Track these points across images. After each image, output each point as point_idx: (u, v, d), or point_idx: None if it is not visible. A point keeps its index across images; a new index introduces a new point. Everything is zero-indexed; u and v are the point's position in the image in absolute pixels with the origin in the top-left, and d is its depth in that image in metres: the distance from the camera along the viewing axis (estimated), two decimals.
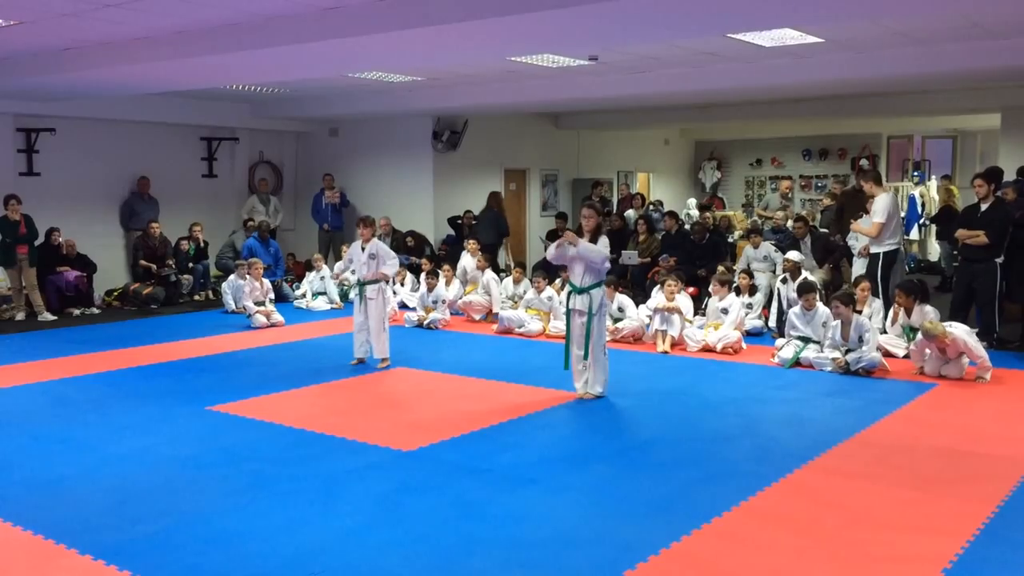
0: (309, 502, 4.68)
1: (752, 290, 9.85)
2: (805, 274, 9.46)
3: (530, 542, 4.14)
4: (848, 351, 7.82)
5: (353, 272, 8.46)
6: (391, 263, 8.32)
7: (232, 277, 11.75)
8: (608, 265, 6.91)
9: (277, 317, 10.79)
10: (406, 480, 5.03)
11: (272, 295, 11.29)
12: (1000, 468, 5.18)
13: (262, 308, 10.78)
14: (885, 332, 8.54)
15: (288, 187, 15.52)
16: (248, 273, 11.13)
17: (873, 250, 9.30)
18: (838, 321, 7.92)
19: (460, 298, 11.70)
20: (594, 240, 6.79)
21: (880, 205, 9.16)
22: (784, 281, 9.55)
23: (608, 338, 9.25)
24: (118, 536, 4.22)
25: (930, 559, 3.91)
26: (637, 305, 9.70)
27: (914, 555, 3.96)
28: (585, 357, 6.83)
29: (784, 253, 10.88)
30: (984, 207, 8.70)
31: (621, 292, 9.77)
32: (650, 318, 9.26)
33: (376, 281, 8.21)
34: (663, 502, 4.67)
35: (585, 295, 6.76)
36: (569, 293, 6.89)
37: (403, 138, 14.43)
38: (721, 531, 4.27)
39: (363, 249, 8.25)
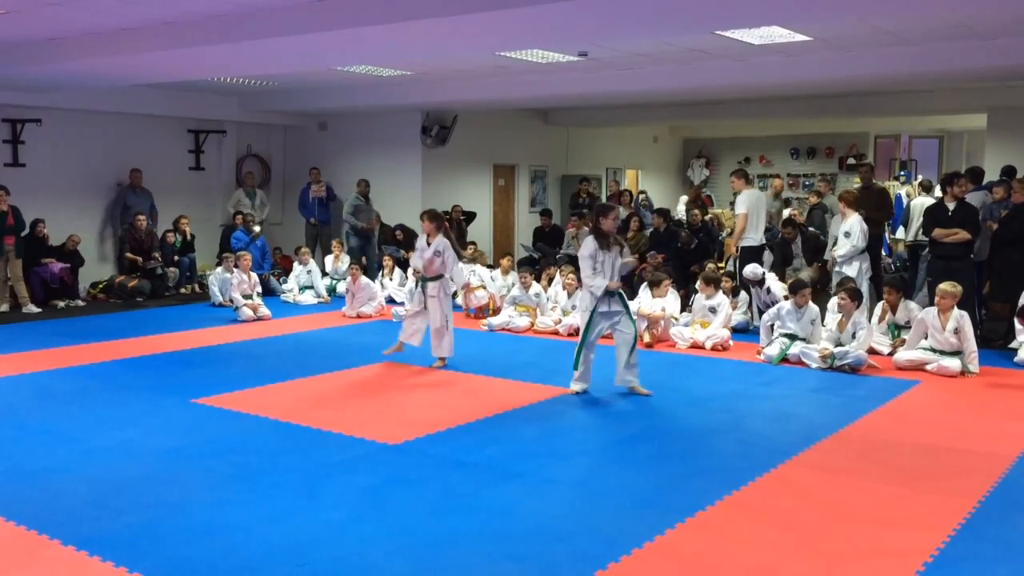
0: (294, 494, 4.68)
1: (736, 291, 9.89)
2: (772, 278, 9.60)
3: (515, 535, 4.15)
4: (838, 345, 7.88)
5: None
6: (457, 271, 7.99)
7: (219, 270, 11.72)
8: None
9: (264, 311, 10.76)
10: (392, 473, 5.04)
11: (259, 288, 11.25)
12: (982, 464, 5.22)
13: (249, 302, 10.75)
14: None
15: (276, 181, 15.46)
16: (236, 266, 11.10)
17: (742, 242, 10.14)
18: (840, 314, 8.00)
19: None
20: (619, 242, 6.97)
21: (742, 199, 10.09)
22: (750, 288, 9.64)
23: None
24: (102, 527, 4.21)
25: (911, 553, 3.94)
26: None
27: (895, 550, 4.00)
28: (628, 357, 6.89)
29: (772, 250, 10.96)
30: (951, 206, 8.88)
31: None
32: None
33: (438, 277, 7.89)
34: (647, 496, 4.69)
35: (616, 297, 6.86)
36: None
37: (392, 133, 14.40)
38: (705, 525, 4.29)
39: (428, 244, 7.91)
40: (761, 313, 9.16)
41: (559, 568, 3.80)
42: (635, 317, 9.22)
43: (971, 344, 7.67)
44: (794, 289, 8.39)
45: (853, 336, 7.89)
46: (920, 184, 14.28)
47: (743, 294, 10.01)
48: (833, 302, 8.42)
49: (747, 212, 10.07)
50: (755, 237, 10.20)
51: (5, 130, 11.90)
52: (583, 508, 4.53)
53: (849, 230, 9.33)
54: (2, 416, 6.26)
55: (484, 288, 10.92)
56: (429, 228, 7.96)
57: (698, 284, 9.45)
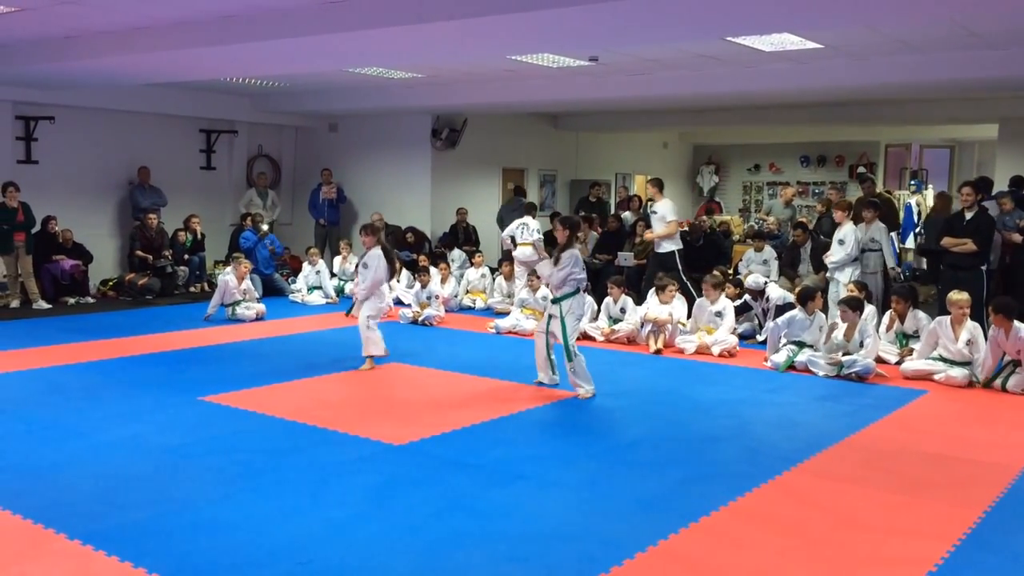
0: (299, 493, 4.69)
1: (739, 298, 9.88)
2: (771, 285, 9.62)
3: (518, 537, 4.15)
4: (846, 354, 7.86)
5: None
6: (363, 279, 8.02)
7: (228, 270, 11.67)
8: (579, 277, 7.06)
9: (248, 313, 10.54)
10: (396, 473, 5.05)
11: (249, 285, 10.93)
12: (988, 474, 5.20)
13: (239, 307, 10.56)
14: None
15: (286, 181, 15.51)
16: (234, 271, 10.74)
17: (668, 248, 10.56)
18: (844, 324, 7.97)
19: (455, 295, 11.73)
20: (563, 252, 6.99)
21: (668, 208, 10.62)
22: (755, 299, 9.63)
23: (601, 339, 9.37)
24: (107, 522, 4.23)
25: (915, 562, 3.93)
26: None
27: (900, 558, 3.99)
28: (569, 359, 6.91)
29: (780, 257, 10.94)
30: (968, 216, 8.85)
31: (626, 294, 9.79)
32: (643, 323, 9.32)
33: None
34: (651, 500, 4.69)
35: (557, 304, 7.02)
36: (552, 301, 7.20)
37: (402, 135, 14.44)
38: (708, 530, 4.28)
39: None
40: (761, 324, 9.16)
41: (562, 570, 3.80)
42: (643, 321, 9.28)
43: (983, 355, 7.62)
44: (804, 299, 8.36)
45: (861, 345, 7.87)
46: (937, 195, 14.22)
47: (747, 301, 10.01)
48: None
49: (677, 219, 10.59)
50: (677, 243, 10.67)
51: (19, 127, 11.97)
52: (587, 511, 4.53)
53: (843, 238, 9.40)
54: (11, 411, 6.30)
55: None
56: (369, 242, 7.98)
57: (703, 289, 9.43)
